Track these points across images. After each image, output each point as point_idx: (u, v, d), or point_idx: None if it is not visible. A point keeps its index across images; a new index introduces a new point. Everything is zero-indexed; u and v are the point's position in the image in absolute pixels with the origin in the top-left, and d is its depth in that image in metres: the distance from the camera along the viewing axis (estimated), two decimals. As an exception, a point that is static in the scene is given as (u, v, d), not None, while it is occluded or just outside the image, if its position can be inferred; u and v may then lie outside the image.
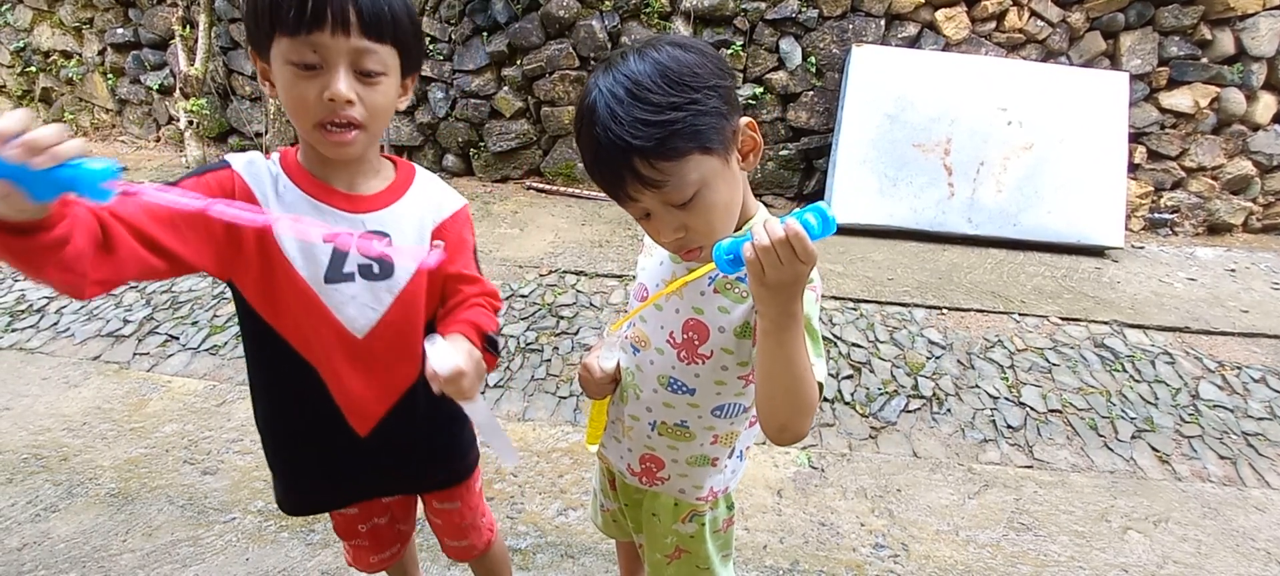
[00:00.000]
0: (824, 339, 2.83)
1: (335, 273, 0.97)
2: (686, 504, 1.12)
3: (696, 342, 0.97)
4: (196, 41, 4.65)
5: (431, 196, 1.07)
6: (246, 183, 0.94)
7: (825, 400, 2.51)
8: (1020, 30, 4.11)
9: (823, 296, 1.01)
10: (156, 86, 5.11)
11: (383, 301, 1.00)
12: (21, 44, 5.44)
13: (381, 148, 1.06)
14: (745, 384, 1.01)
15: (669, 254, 1.00)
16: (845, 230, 3.90)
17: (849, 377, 2.62)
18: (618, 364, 1.07)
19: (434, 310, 1.09)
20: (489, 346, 1.02)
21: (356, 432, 1.06)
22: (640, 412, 1.06)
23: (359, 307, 0.99)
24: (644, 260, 1.10)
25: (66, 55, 5.40)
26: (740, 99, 4.17)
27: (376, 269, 1.00)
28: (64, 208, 0.70)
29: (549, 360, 2.67)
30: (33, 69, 5.49)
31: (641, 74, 0.80)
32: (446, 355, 0.87)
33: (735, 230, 0.91)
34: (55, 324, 2.89)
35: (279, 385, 1.07)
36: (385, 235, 0.99)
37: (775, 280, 0.73)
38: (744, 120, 0.87)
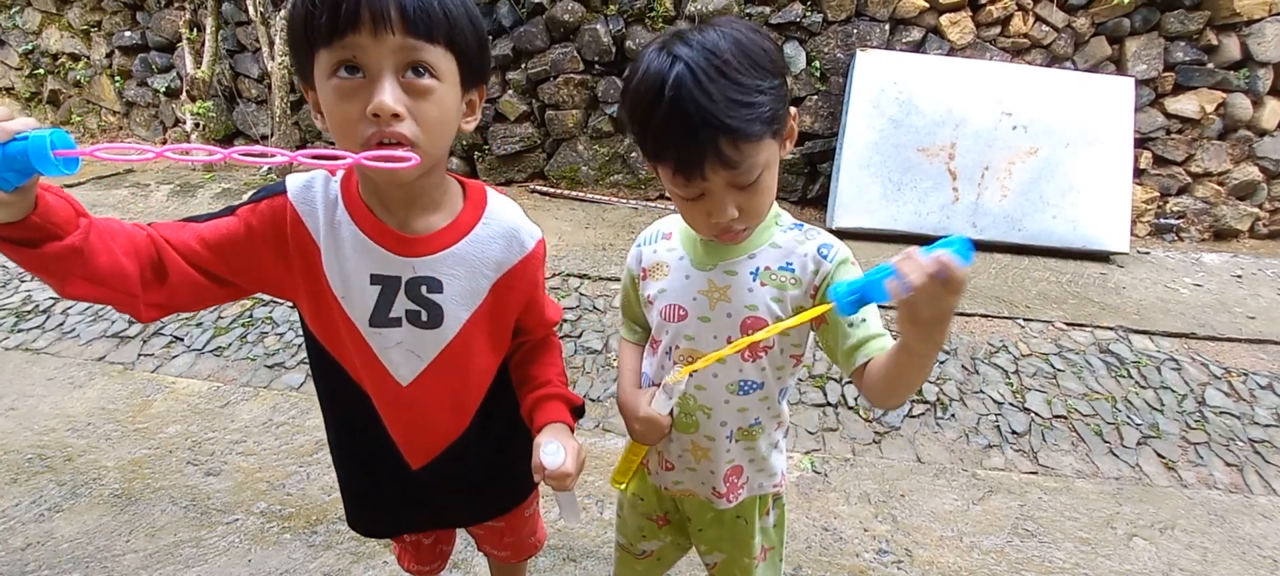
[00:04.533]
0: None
1: (381, 317, 0.90)
2: (767, 496, 1.12)
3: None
4: (203, 45, 4.69)
5: (501, 236, 0.94)
6: (298, 214, 0.87)
7: (829, 405, 2.50)
8: (1025, 35, 4.11)
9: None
10: (163, 89, 5.14)
11: (428, 352, 0.94)
12: (30, 46, 5.49)
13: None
14: (796, 364, 1.03)
15: (693, 265, 0.98)
16: (848, 234, 3.90)
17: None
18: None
19: (501, 344, 1.02)
20: (576, 414, 1.02)
21: (409, 466, 1.04)
22: (715, 430, 1.03)
23: (403, 354, 0.93)
24: (653, 285, 1.03)
25: (74, 58, 5.44)
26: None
27: (425, 316, 0.91)
28: (74, 217, 0.70)
29: (552, 363, 2.67)
30: (41, 71, 5.54)
31: (726, 52, 0.79)
32: (556, 456, 0.88)
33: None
34: (61, 324, 2.90)
35: (338, 408, 1.04)
36: (436, 283, 0.90)
37: (929, 316, 0.69)
38: (791, 110, 0.88)
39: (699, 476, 1.08)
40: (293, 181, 0.88)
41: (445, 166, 0.90)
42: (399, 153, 0.72)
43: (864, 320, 0.90)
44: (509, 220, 0.95)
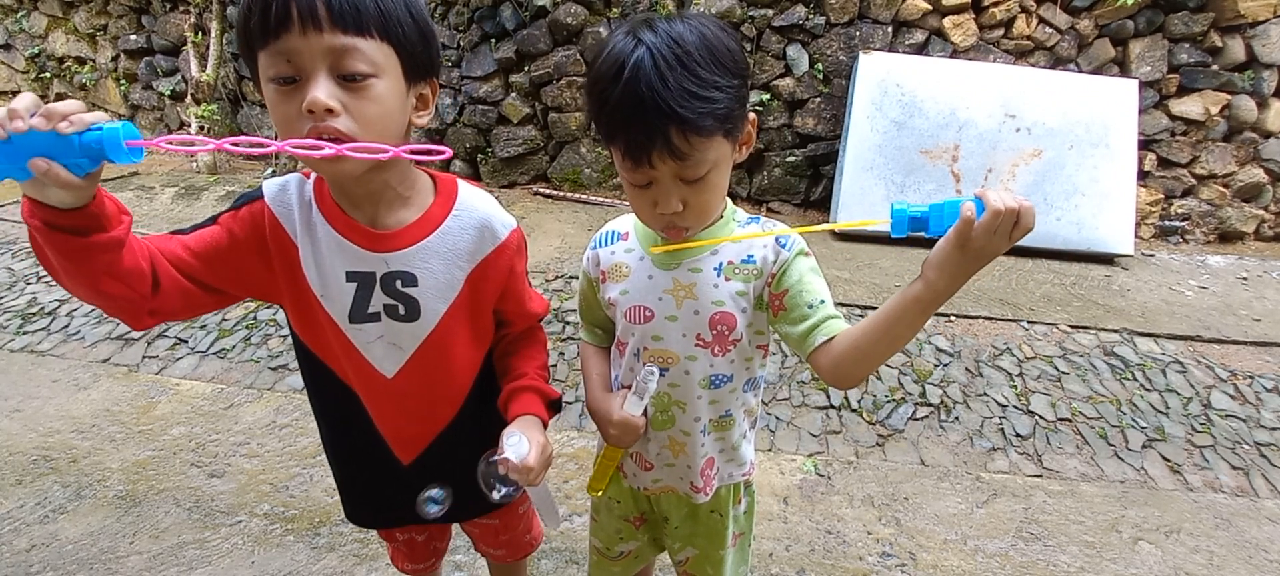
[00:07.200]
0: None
1: (359, 313, 0.92)
2: (738, 484, 1.14)
3: (727, 333, 0.98)
4: (208, 48, 4.71)
5: (473, 227, 0.95)
6: (275, 216, 0.89)
7: (832, 407, 2.50)
8: (1028, 37, 4.10)
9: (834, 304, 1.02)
10: (168, 92, 5.17)
11: (408, 345, 0.95)
12: (36, 50, 5.52)
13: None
14: (764, 355, 1.05)
15: (655, 265, 1.00)
16: (850, 237, 3.89)
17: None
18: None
19: (484, 335, 1.03)
20: (552, 409, 1.03)
21: (400, 460, 1.05)
22: (690, 424, 1.04)
23: (385, 348, 0.95)
24: (614, 287, 1.04)
25: (80, 61, 5.48)
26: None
27: (402, 310, 0.93)
28: (119, 213, 0.73)
29: (555, 365, 2.67)
30: (47, 75, 5.57)
31: (690, 44, 0.80)
32: (519, 448, 0.90)
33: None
34: (66, 326, 2.91)
35: (329, 407, 1.06)
36: (411, 277, 0.92)
37: (980, 248, 0.74)
38: (750, 115, 0.90)
39: (677, 471, 1.09)
40: (269, 185, 0.91)
41: (406, 162, 0.91)
42: (381, 143, 0.74)
43: (822, 301, 0.92)
44: (481, 211, 0.96)
